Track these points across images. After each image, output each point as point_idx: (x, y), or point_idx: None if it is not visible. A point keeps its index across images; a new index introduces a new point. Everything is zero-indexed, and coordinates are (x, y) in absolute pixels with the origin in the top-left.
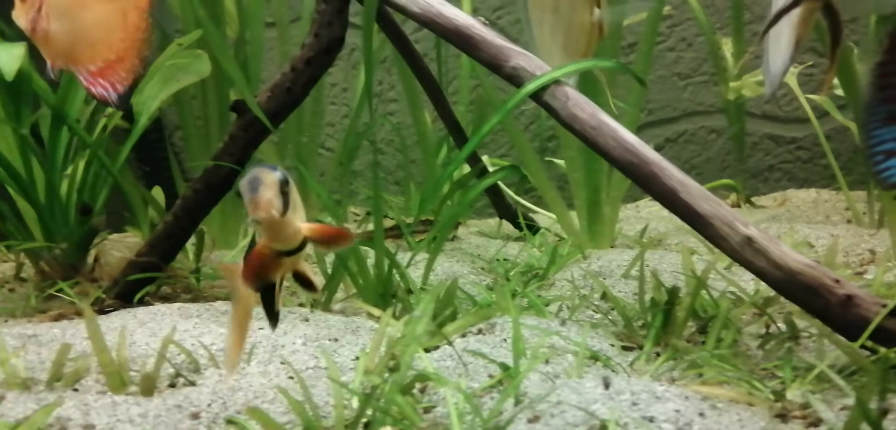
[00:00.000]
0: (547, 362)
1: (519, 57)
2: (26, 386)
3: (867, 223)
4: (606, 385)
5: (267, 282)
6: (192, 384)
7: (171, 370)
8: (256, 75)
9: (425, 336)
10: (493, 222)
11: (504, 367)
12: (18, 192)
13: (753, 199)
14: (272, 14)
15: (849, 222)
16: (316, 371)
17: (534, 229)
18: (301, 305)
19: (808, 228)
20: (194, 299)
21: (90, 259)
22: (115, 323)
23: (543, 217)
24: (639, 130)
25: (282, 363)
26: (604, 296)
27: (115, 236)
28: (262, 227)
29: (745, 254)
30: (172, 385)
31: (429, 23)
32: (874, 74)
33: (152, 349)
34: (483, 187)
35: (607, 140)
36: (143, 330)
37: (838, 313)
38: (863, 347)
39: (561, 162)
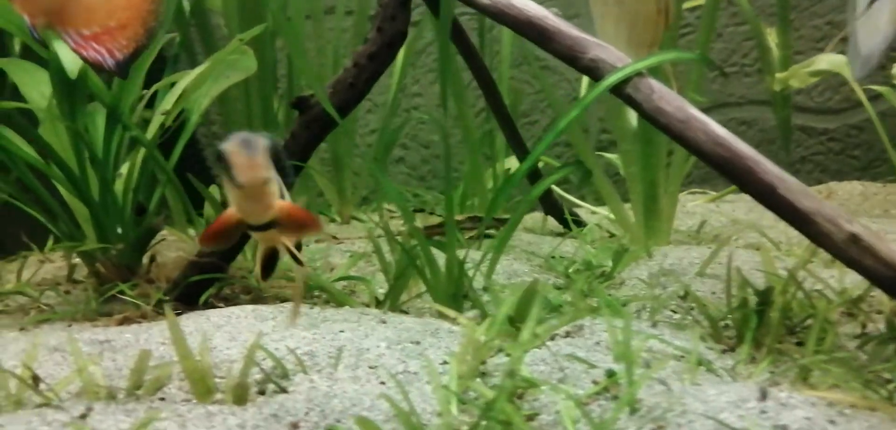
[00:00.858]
0: (648, 366)
1: (597, 48)
2: (112, 396)
3: None
4: (763, 396)
5: (222, 247)
6: (284, 390)
7: (258, 376)
8: (300, 70)
9: (525, 341)
10: (538, 216)
11: (609, 373)
12: (72, 191)
13: None
14: (307, 7)
15: None
16: (405, 376)
17: (579, 224)
18: (366, 304)
19: (873, 223)
20: (255, 300)
21: (146, 260)
22: (190, 326)
23: (586, 212)
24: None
25: (371, 367)
26: (685, 296)
27: (164, 233)
28: (241, 192)
29: (850, 252)
30: (262, 392)
31: (498, 14)
32: None
33: (234, 355)
34: (549, 184)
35: (697, 134)
36: (220, 334)
37: None
38: None
39: (613, 157)
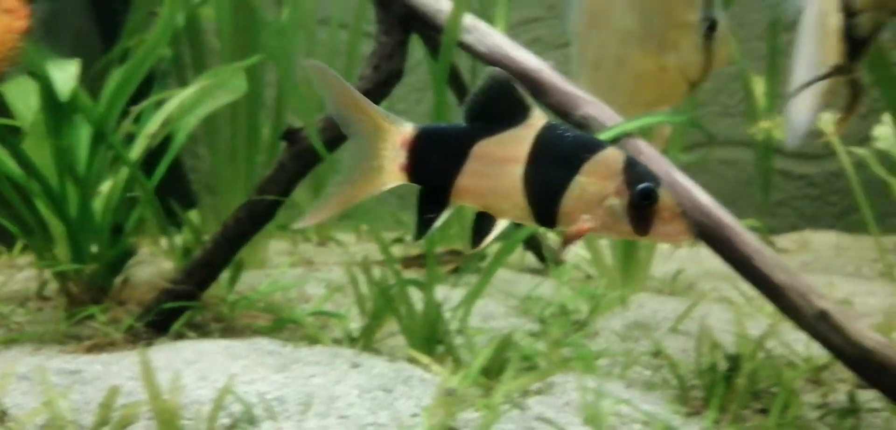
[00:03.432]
0: None
1: (588, 105)
2: None
3: None
4: None
5: None
6: None
7: (226, 421)
8: (289, 88)
9: (497, 403)
10: (520, 251)
11: None
12: (50, 207)
13: (773, 239)
14: (300, 17)
15: (881, 274)
16: (375, 428)
17: (557, 263)
18: (337, 341)
19: (845, 282)
20: (226, 330)
21: (119, 281)
22: (160, 361)
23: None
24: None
25: (341, 417)
26: (657, 353)
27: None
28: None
29: (819, 328)
30: None
31: (495, 63)
32: None
33: (204, 396)
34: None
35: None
36: (191, 372)
37: None
38: None
39: None
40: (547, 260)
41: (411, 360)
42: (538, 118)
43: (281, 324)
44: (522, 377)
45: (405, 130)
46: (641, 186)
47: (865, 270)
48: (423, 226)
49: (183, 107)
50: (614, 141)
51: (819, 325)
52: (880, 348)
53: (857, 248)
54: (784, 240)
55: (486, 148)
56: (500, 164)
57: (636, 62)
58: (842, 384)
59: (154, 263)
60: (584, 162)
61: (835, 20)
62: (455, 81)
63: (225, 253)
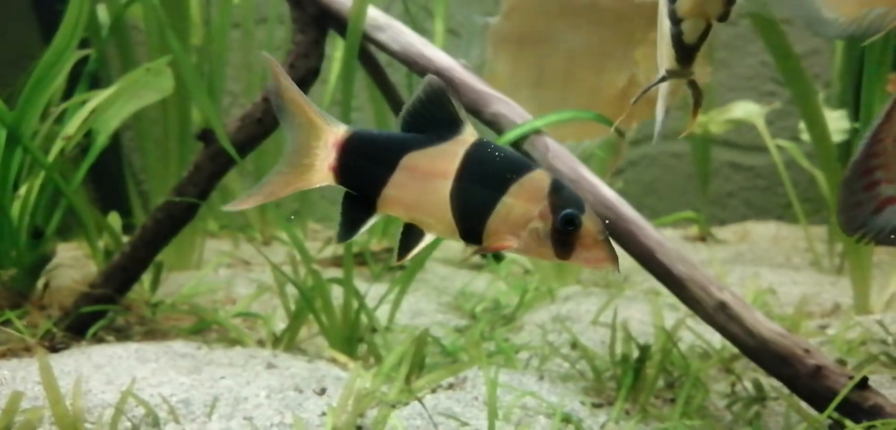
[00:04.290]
0: (518, 424)
1: (499, 103)
2: None
3: (828, 268)
4: None
5: None
6: None
7: (130, 424)
8: (220, 86)
9: (397, 394)
10: (458, 246)
11: None
12: None
13: (715, 231)
14: (238, 14)
15: (811, 264)
16: (280, 428)
17: (498, 257)
18: (260, 342)
19: (772, 272)
20: (149, 334)
21: (40, 285)
22: (69, 365)
23: None
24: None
25: (245, 418)
26: (574, 345)
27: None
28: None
29: (718, 319)
30: None
31: (409, 62)
32: (869, 136)
33: (109, 399)
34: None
35: (585, 194)
36: (98, 376)
37: (807, 384)
38: (831, 418)
39: None
40: (487, 255)
41: (332, 360)
42: (470, 134)
43: (203, 326)
44: (434, 372)
45: (338, 131)
46: (564, 211)
47: (796, 260)
48: (348, 229)
49: (103, 107)
50: (523, 138)
51: (718, 315)
52: (777, 338)
53: (793, 238)
54: (725, 231)
55: (416, 160)
56: (429, 178)
57: (590, 80)
58: (754, 373)
59: (84, 266)
60: (512, 183)
61: (667, 26)
62: (391, 97)
63: (144, 255)
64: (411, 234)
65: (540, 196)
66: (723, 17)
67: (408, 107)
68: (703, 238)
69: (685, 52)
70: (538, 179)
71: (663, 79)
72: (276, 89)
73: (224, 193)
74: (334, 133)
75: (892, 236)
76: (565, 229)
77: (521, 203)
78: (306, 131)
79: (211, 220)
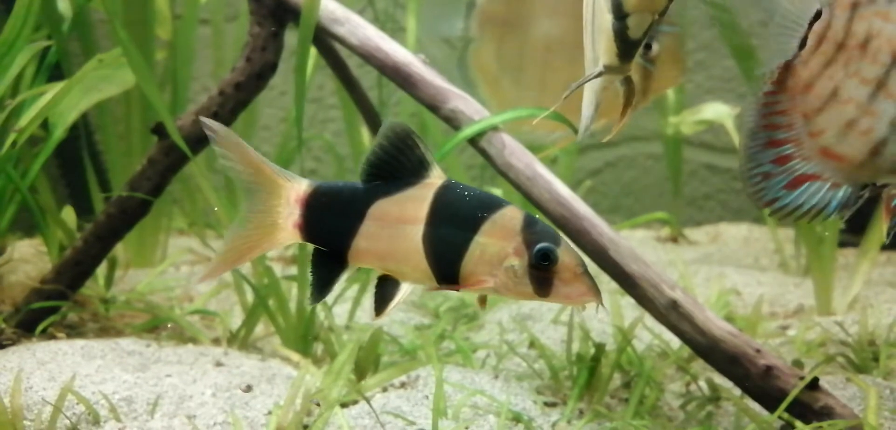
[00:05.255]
0: (467, 427)
1: (457, 99)
2: None
3: (795, 269)
4: None
5: None
6: None
7: (68, 422)
8: (185, 82)
9: (343, 391)
10: None
11: None
12: None
13: (687, 232)
14: (208, 11)
15: (779, 266)
16: (224, 428)
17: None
18: (216, 340)
19: (738, 273)
20: (102, 330)
21: None
22: (12, 362)
23: None
24: (579, 153)
25: (188, 417)
26: (532, 344)
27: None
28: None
29: (670, 317)
30: None
31: (367, 56)
32: (761, 102)
33: (50, 396)
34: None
35: (541, 192)
36: (41, 372)
37: (758, 384)
38: (783, 419)
39: (498, 191)
40: None
41: (285, 359)
42: (437, 176)
43: (156, 323)
44: (385, 371)
45: (300, 186)
46: (539, 246)
47: (764, 261)
48: (320, 289)
49: (56, 100)
50: (480, 134)
51: (670, 314)
52: (729, 338)
53: (764, 240)
54: (697, 233)
55: (383, 208)
56: (399, 225)
57: (566, 69)
58: (710, 373)
59: (43, 262)
60: (484, 222)
61: (607, 20)
62: (357, 94)
63: (97, 251)
64: (387, 285)
65: (513, 233)
66: (663, 12)
67: (369, 155)
68: (675, 239)
69: (628, 48)
70: (510, 216)
71: (601, 74)
72: (227, 152)
73: (191, 190)
74: (295, 189)
75: (816, 217)
76: (541, 264)
77: (495, 241)
78: (266, 190)
79: (179, 216)
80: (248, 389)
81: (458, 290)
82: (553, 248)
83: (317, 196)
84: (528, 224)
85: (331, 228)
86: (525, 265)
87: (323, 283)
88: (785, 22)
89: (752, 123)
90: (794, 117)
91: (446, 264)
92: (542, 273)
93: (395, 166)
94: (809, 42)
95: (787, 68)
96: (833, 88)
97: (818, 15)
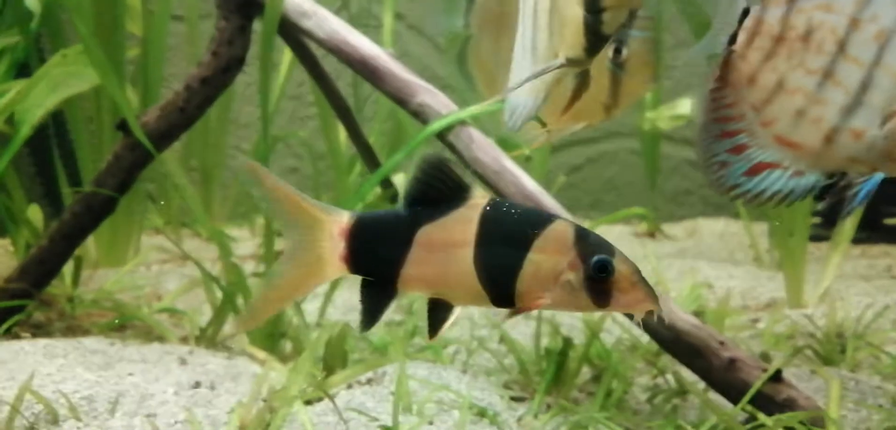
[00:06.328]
0: (431, 422)
1: (425, 93)
2: None
3: (768, 263)
4: None
5: None
6: None
7: (26, 422)
8: (158, 80)
9: (306, 388)
10: None
11: (386, 428)
12: None
13: (665, 227)
14: (182, 8)
15: (753, 260)
16: (185, 426)
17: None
18: (184, 338)
19: (711, 267)
20: (68, 330)
21: None
22: None
23: None
24: (560, 149)
25: (147, 416)
26: (502, 339)
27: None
28: None
29: None
30: None
31: (334, 49)
32: (708, 97)
33: (8, 396)
34: None
35: (508, 186)
36: (1, 371)
37: (721, 376)
38: (746, 412)
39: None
40: None
41: (251, 356)
42: (480, 197)
43: (123, 321)
44: (351, 367)
45: (342, 219)
46: (596, 258)
47: (739, 255)
48: (370, 317)
49: (20, 97)
50: (448, 129)
51: None
52: (692, 330)
53: (740, 235)
54: (676, 228)
55: (430, 233)
56: (448, 249)
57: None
58: (679, 366)
59: (11, 262)
60: (535, 239)
61: (576, 12)
62: (328, 89)
63: (62, 249)
64: (439, 310)
65: (567, 247)
66: (634, 14)
67: (408, 190)
68: (652, 234)
69: (598, 42)
70: (562, 231)
71: (563, 66)
72: (264, 192)
73: (166, 186)
74: (338, 222)
75: (783, 202)
76: (599, 276)
77: (549, 257)
78: (307, 226)
79: (155, 214)
80: (197, 385)
81: (515, 311)
82: (609, 259)
83: (360, 227)
84: (581, 237)
85: (378, 257)
86: (581, 279)
87: (373, 313)
88: (719, 20)
89: (703, 117)
90: (744, 109)
91: (501, 284)
92: (599, 285)
93: (435, 195)
94: (741, 38)
95: (726, 64)
96: (777, 79)
97: (746, 12)
